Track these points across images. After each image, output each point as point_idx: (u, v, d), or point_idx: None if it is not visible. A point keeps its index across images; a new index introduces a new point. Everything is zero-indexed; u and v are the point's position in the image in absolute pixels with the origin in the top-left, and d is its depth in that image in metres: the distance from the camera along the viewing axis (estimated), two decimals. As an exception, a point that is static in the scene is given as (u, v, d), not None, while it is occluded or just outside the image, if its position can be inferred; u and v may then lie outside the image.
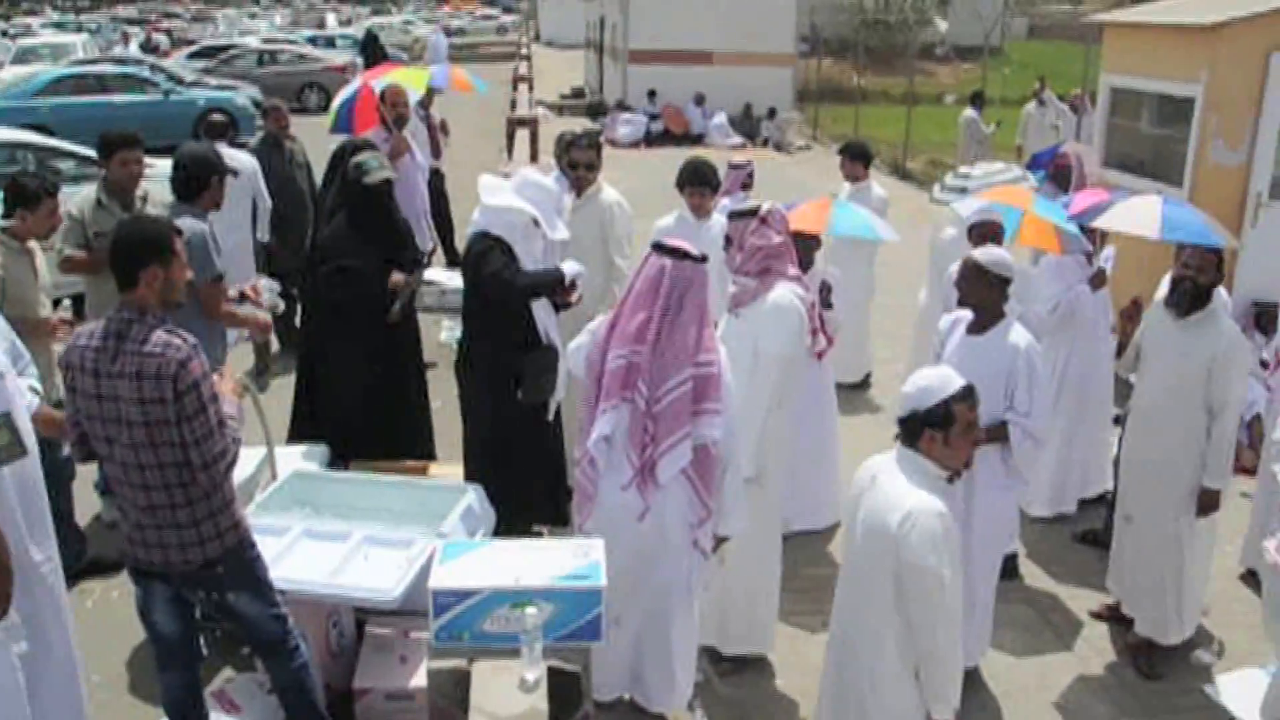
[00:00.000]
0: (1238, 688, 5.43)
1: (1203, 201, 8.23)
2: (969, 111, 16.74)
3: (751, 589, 5.26)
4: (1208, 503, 5.38)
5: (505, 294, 5.56)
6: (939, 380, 3.69)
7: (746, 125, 24.59)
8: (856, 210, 7.25)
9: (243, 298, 6.22)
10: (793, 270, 5.05)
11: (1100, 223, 5.87)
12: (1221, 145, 9.40)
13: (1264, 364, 7.25)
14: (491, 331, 5.72)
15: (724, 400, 4.32)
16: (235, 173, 7.37)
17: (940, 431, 3.65)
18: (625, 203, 6.80)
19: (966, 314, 5.19)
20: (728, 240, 5.05)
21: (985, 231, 5.95)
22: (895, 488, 3.67)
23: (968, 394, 3.67)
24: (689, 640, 4.71)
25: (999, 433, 4.87)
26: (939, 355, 5.24)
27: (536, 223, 5.59)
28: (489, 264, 5.53)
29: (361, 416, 6.17)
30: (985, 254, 5.10)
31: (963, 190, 7.94)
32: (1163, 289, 6.38)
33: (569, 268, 5.72)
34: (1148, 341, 5.53)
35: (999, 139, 17.44)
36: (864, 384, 9.39)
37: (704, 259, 4.34)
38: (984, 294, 5.04)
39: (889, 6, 35.90)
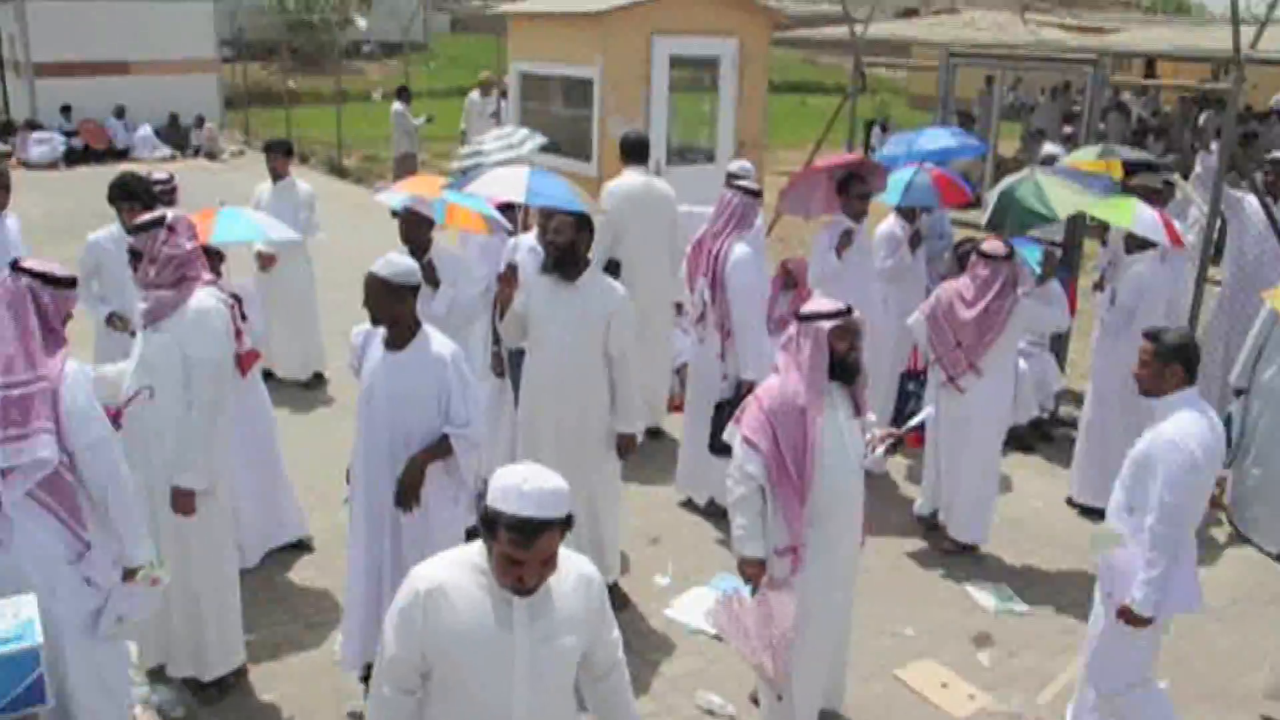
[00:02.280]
0: (690, 603, 6.12)
1: (610, 173, 8.95)
2: (397, 105, 17.11)
3: (219, 605, 5.10)
4: (628, 446, 5.79)
5: None
6: (500, 485, 2.90)
7: (175, 135, 23.48)
8: (242, 215, 6.80)
9: None
10: (207, 275, 4.92)
11: (470, 188, 5.95)
12: (620, 120, 10.26)
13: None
14: None
15: (60, 419, 3.90)
16: None
17: (488, 535, 2.96)
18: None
19: (380, 329, 4.77)
20: (135, 254, 4.79)
21: (411, 219, 6.01)
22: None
23: (522, 527, 2.83)
24: (117, 684, 4.28)
25: (443, 448, 4.68)
26: (357, 370, 4.90)
27: None
28: None
29: None
30: (386, 266, 4.60)
31: (478, 153, 7.91)
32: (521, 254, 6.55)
33: None
34: (538, 309, 5.63)
35: (434, 130, 17.98)
36: (317, 381, 9.40)
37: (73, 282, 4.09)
38: (394, 308, 4.62)
39: (310, 7, 35.57)
